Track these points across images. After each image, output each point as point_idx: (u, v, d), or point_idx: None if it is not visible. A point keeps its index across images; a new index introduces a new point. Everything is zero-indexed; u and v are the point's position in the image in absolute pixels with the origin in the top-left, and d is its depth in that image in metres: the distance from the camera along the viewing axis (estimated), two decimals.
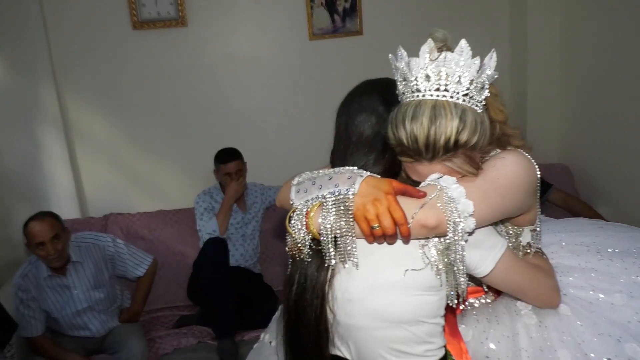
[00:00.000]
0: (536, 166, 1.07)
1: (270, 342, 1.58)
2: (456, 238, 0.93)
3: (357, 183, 0.97)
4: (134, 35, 3.02)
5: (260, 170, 3.05)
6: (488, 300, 1.17)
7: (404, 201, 0.95)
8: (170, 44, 3.07)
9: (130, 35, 3.02)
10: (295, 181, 1.08)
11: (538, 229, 1.16)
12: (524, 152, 1.08)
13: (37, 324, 2.36)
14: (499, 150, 1.08)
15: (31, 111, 2.96)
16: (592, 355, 1.02)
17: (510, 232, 1.13)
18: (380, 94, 1.13)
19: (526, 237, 1.15)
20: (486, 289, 1.14)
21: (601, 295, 1.11)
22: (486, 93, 0.98)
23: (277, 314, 1.64)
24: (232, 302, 2.49)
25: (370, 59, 3.22)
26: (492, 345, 1.08)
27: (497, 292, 1.18)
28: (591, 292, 1.13)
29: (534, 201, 1.10)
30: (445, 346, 1.04)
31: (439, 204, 0.93)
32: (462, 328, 1.13)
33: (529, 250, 1.16)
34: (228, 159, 2.73)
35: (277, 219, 3.10)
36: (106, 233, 2.90)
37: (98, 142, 3.11)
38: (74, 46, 2.99)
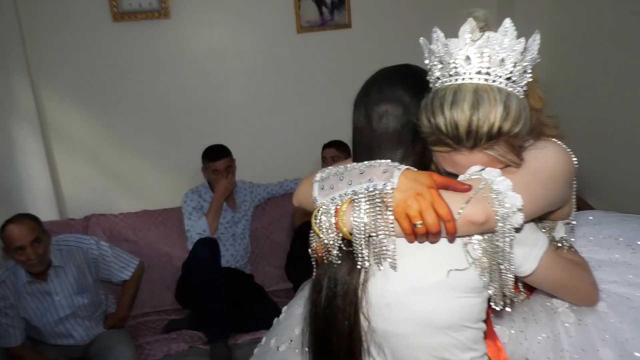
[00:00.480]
0: (573, 157, 1.02)
1: (278, 347, 1.49)
2: (505, 234, 0.86)
3: (395, 177, 0.89)
4: (114, 27, 2.88)
5: (249, 167, 2.95)
6: (521, 299, 1.10)
7: (447, 196, 0.87)
8: (152, 36, 2.94)
9: (110, 27, 2.88)
10: (317, 177, 0.98)
11: (573, 222, 1.10)
12: (560, 142, 1.02)
13: (16, 332, 2.21)
14: (532, 141, 1.01)
15: (4, 107, 2.79)
16: (637, 354, 0.97)
17: (545, 226, 1.08)
18: (402, 82, 1.05)
19: (560, 232, 1.09)
20: (521, 287, 1.08)
21: (639, 291, 1.06)
22: (528, 77, 0.92)
23: (281, 316, 1.56)
24: (224, 304, 2.39)
25: (360, 53, 3.17)
26: (531, 346, 1.02)
27: (530, 290, 1.12)
28: (627, 287, 1.08)
29: (571, 193, 1.05)
30: (487, 353, 0.97)
31: (485, 198, 0.86)
32: (497, 329, 1.07)
33: (561, 245, 1.10)
34: (217, 156, 2.63)
35: (266, 218, 3.01)
36: (88, 235, 2.76)
37: (77, 140, 2.96)
38: (49, 38, 2.83)
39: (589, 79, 2.89)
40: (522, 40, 0.89)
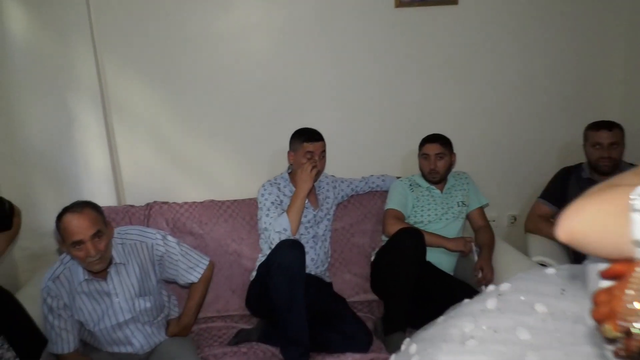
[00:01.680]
0: None
1: None
2: None
3: None
4: None
5: (331, 159, 2.55)
6: None
7: None
8: (222, 7, 2.58)
9: None
10: (638, 202, 0.57)
11: None
12: None
13: (69, 337, 1.91)
14: None
15: (64, 79, 2.51)
16: None
17: None
18: None
19: None
20: None
21: None
22: None
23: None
24: (306, 320, 2.03)
25: (466, 33, 2.73)
26: None
27: None
28: None
29: None
30: None
31: None
32: None
33: None
34: (315, 137, 2.29)
35: (347, 218, 2.62)
36: (150, 226, 2.45)
37: (140, 119, 2.64)
38: (116, 4, 2.50)
39: None
40: None
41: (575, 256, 2.49)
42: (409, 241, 2.11)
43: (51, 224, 1.81)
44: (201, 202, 2.57)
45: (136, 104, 2.61)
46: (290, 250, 2.00)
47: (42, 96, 2.48)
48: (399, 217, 2.39)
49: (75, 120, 2.54)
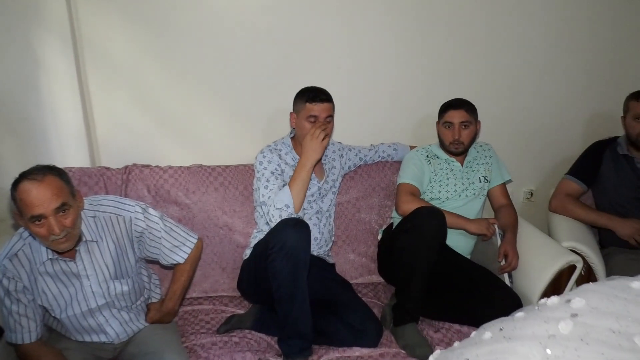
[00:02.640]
0: None
1: None
2: None
3: None
4: None
5: (337, 124, 2.23)
6: None
7: None
8: None
9: None
10: None
11: None
12: None
13: (31, 325, 1.61)
14: None
15: (29, 14, 2.10)
16: None
17: None
18: None
19: None
20: None
21: None
22: None
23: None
24: (310, 310, 1.76)
25: None
26: None
27: None
28: None
29: None
30: None
31: None
32: None
33: None
34: (320, 98, 1.93)
35: (354, 191, 2.33)
36: (128, 193, 2.13)
37: (118, 66, 2.26)
38: None
39: None
40: None
41: (602, 241, 2.25)
42: (430, 222, 1.83)
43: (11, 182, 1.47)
44: (188, 167, 2.24)
45: (114, 47, 2.23)
46: (294, 231, 1.70)
47: (1, 35, 2.08)
48: (415, 192, 2.10)
49: (41, 64, 2.15)
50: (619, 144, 2.26)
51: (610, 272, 2.08)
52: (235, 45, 2.29)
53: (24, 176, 1.44)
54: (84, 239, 1.59)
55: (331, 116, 1.96)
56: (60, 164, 2.16)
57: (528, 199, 2.82)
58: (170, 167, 2.22)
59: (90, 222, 1.62)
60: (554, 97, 2.64)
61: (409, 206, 2.02)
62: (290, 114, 2.01)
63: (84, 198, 1.65)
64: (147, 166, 2.22)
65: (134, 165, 2.22)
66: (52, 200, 1.42)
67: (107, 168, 2.20)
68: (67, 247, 1.51)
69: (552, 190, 2.60)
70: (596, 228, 2.30)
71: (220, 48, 2.28)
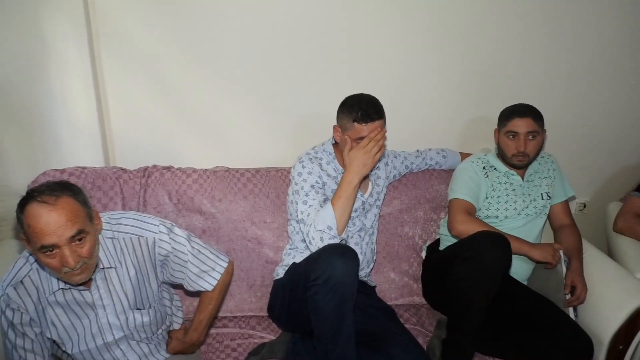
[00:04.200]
0: None
1: None
2: None
3: None
4: None
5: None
6: None
7: None
8: None
9: None
10: None
11: None
12: None
13: None
14: None
15: None
16: None
17: None
18: None
19: None
20: None
21: None
22: None
23: None
24: (355, 350, 1.54)
25: None
26: None
27: None
28: None
29: None
30: None
31: None
32: None
33: None
34: (371, 117, 1.65)
35: (397, 203, 2.09)
36: (147, 200, 1.89)
37: (138, 55, 2.00)
38: None
39: None
40: None
41: None
42: (494, 252, 1.59)
43: (18, 180, 1.26)
44: (214, 171, 2.00)
45: (134, 34, 1.96)
46: (342, 262, 1.46)
47: (6, 14, 1.82)
48: (471, 210, 1.86)
49: (51, 49, 1.89)
50: None
51: None
52: (269, 39, 2.01)
53: (33, 197, 1.20)
54: (101, 266, 1.37)
55: (384, 130, 1.69)
56: (70, 162, 1.95)
57: (581, 210, 2.57)
58: (194, 171, 1.98)
59: (108, 245, 1.40)
60: (610, 102, 2.36)
61: (465, 227, 1.78)
62: (334, 127, 1.74)
63: (101, 215, 1.42)
64: (168, 168, 1.98)
65: (154, 167, 1.98)
66: (67, 228, 1.19)
67: (124, 170, 1.96)
68: (83, 279, 1.28)
69: (609, 204, 2.36)
70: None
71: (251, 41, 2.01)
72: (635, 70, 2.32)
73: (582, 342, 1.64)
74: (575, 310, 1.81)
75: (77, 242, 1.23)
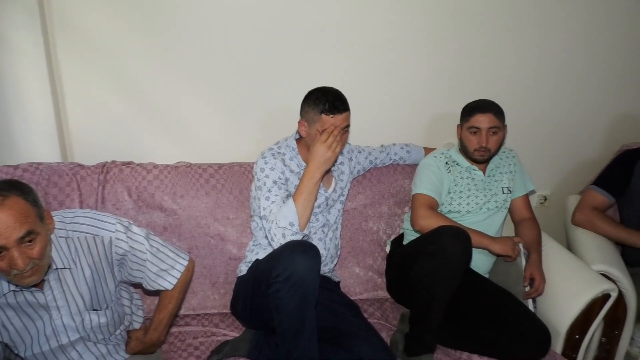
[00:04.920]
0: None
1: None
2: None
3: None
4: None
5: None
6: None
7: None
8: None
9: None
10: None
11: None
12: None
13: None
14: None
15: None
16: None
17: None
18: None
19: None
20: None
21: None
22: None
23: None
24: (317, 343, 1.54)
25: None
26: None
27: None
28: None
29: None
30: None
31: None
32: None
33: None
34: (339, 109, 1.64)
35: (361, 198, 2.09)
36: (106, 197, 1.84)
37: (95, 46, 1.94)
38: None
39: None
40: None
41: (627, 259, 2.07)
42: (455, 246, 1.60)
43: None
44: (175, 167, 1.96)
45: (91, 24, 1.90)
46: (304, 259, 1.45)
47: None
48: (433, 205, 1.88)
49: (2, 39, 1.82)
50: None
51: None
52: (232, 30, 1.98)
53: None
54: (54, 267, 1.33)
55: (348, 125, 1.69)
56: (25, 157, 1.89)
57: (542, 203, 2.63)
58: (155, 166, 1.94)
59: (62, 245, 1.35)
60: (573, 98, 2.42)
61: (428, 222, 1.79)
62: (300, 122, 1.72)
63: (55, 213, 1.37)
64: (128, 164, 1.93)
65: (113, 162, 1.93)
66: (15, 229, 1.15)
67: (81, 166, 1.90)
68: (34, 281, 1.24)
69: (569, 197, 2.42)
70: (619, 244, 2.13)
71: (214, 33, 1.98)
72: (596, 68, 2.38)
73: (540, 332, 1.68)
74: (534, 302, 1.85)
75: (27, 244, 1.18)
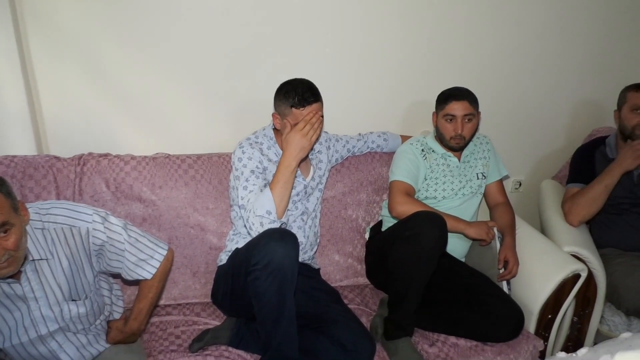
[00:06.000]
0: None
1: None
2: None
3: None
4: None
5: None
6: None
7: None
8: None
9: None
10: None
11: None
12: None
13: None
14: None
15: None
16: None
17: None
18: None
19: None
20: None
21: None
22: None
23: None
24: (296, 330, 1.57)
25: None
26: None
27: None
28: None
29: None
30: None
31: None
32: None
33: None
34: (308, 100, 1.65)
35: (340, 185, 2.12)
36: (84, 189, 1.84)
37: (68, 36, 1.92)
38: None
39: None
40: None
41: (597, 240, 2.12)
42: (431, 231, 1.64)
43: None
44: (153, 158, 1.96)
45: (63, 16, 1.88)
46: (281, 246, 1.47)
47: None
48: (410, 192, 1.91)
49: None
50: (608, 146, 2.14)
51: (610, 278, 1.97)
52: (208, 19, 1.98)
53: None
54: (31, 258, 1.33)
55: (322, 115, 1.70)
56: (0, 151, 1.87)
57: (516, 189, 2.69)
58: (132, 158, 1.94)
59: (38, 235, 1.35)
60: (542, 86, 2.48)
61: (405, 208, 1.83)
62: (273, 114, 1.74)
63: (30, 205, 1.37)
64: (105, 156, 1.93)
65: (90, 154, 1.92)
66: None
67: (57, 158, 1.89)
68: (9, 272, 1.24)
69: (543, 182, 2.48)
70: (589, 228, 2.18)
71: (190, 22, 1.97)
72: (564, 57, 2.43)
73: (514, 313, 1.73)
74: (508, 283, 1.90)
75: (2, 235, 1.18)
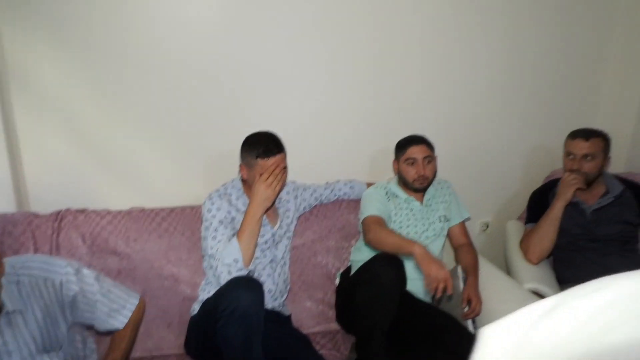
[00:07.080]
0: None
1: None
2: None
3: None
4: None
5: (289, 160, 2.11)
6: None
7: None
8: None
9: None
10: None
11: None
12: None
13: None
14: None
15: None
16: None
17: None
18: None
19: None
20: None
21: None
22: None
23: None
24: None
25: (443, 25, 2.33)
26: None
27: None
28: None
29: None
30: None
31: None
32: None
33: None
34: (272, 151, 1.78)
35: (309, 233, 2.20)
36: (61, 243, 1.91)
37: (49, 98, 2.06)
38: None
39: None
40: None
41: (559, 277, 2.22)
42: (388, 272, 1.72)
43: None
44: (128, 212, 2.05)
45: (45, 77, 2.02)
46: (246, 292, 1.55)
47: None
48: (381, 223, 1.97)
49: None
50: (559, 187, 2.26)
51: None
52: (179, 77, 2.12)
53: None
54: (5, 310, 1.38)
55: (285, 166, 1.82)
56: None
57: (484, 230, 2.79)
58: (109, 212, 2.02)
59: (12, 289, 1.41)
60: (500, 133, 2.64)
61: (375, 235, 1.88)
62: (240, 166, 1.86)
63: (6, 259, 1.44)
64: (82, 211, 2.01)
65: (67, 210, 2.00)
66: None
67: (36, 215, 1.97)
68: None
69: (508, 222, 2.58)
70: (552, 264, 2.27)
71: (162, 81, 2.11)
72: (520, 107, 2.60)
73: (467, 342, 1.78)
74: (473, 321, 1.96)
75: None
